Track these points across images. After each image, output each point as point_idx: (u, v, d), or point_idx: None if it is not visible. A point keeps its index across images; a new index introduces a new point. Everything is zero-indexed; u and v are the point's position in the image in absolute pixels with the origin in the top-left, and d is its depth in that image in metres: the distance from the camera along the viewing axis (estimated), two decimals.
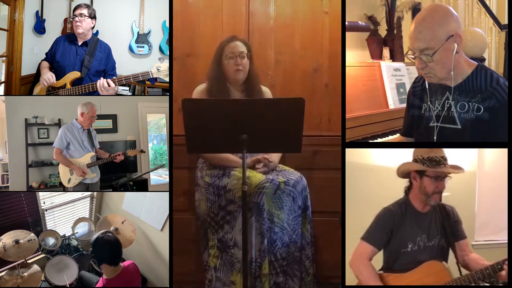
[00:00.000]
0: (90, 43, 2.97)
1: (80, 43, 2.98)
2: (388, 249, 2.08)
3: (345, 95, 2.45)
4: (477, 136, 1.83)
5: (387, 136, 2.77)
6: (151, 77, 2.63)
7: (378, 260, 2.10)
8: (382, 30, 3.43)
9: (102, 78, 2.70)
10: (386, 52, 3.39)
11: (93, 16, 2.96)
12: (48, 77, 2.86)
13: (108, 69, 3.02)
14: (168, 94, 2.78)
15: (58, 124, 3.80)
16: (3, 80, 3.18)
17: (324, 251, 2.68)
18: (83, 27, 2.93)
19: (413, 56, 1.86)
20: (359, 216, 2.31)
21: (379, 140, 2.70)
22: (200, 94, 2.46)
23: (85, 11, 2.91)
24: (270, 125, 2.03)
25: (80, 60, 2.94)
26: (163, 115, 4.43)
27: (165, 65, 2.63)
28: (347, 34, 2.81)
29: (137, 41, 3.58)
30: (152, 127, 4.49)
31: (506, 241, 2.30)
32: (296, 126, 2.04)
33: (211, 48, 2.58)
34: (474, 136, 1.84)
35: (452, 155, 2.07)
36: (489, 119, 1.79)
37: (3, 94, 3.27)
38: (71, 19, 2.98)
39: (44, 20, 3.44)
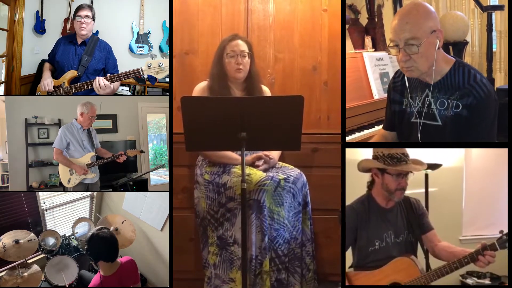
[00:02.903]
0: (89, 43, 2.98)
1: (79, 43, 2.99)
2: (357, 247, 2.07)
3: (345, 93, 2.44)
4: (457, 133, 1.85)
5: (374, 127, 2.78)
6: (142, 74, 2.63)
7: (349, 258, 2.11)
8: (363, 19, 3.38)
9: (97, 77, 2.70)
10: (368, 41, 3.34)
11: (94, 18, 3.02)
12: (48, 83, 2.89)
13: (108, 68, 3.02)
14: (168, 94, 2.78)
15: (58, 124, 3.80)
16: (3, 80, 3.18)
17: (323, 248, 2.67)
18: (88, 29, 2.97)
19: (394, 49, 1.86)
20: None
21: (365, 131, 2.71)
22: (201, 92, 2.46)
23: (90, 13, 2.96)
24: (269, 123, 2.02)
25: (78, 59, 2.95)
26: (163, 115, 4.43)
27: (157, 61, 2.62)
28: None
29: (137, 41, 3.58)
30: (152, 127, 4.48)
31: (493, 236, 2.31)
32: (295, 124, 2.04)
33: (210, 46, 2.58)
34: (454, 133, 1.85)
35: (439, 151, 2.06)
36: (468, 116, 1.81)
37: (3, 94, 3.28)
38: (72, 19, 3.01)
39: (44, 20, 3.44)
